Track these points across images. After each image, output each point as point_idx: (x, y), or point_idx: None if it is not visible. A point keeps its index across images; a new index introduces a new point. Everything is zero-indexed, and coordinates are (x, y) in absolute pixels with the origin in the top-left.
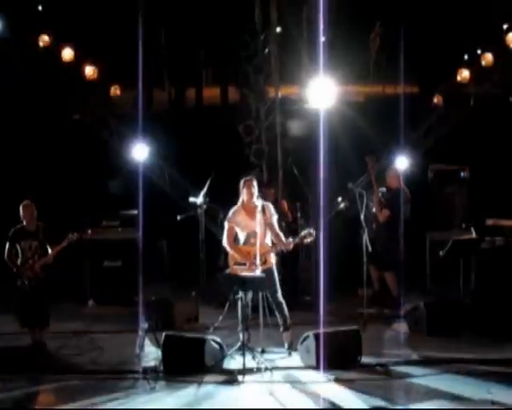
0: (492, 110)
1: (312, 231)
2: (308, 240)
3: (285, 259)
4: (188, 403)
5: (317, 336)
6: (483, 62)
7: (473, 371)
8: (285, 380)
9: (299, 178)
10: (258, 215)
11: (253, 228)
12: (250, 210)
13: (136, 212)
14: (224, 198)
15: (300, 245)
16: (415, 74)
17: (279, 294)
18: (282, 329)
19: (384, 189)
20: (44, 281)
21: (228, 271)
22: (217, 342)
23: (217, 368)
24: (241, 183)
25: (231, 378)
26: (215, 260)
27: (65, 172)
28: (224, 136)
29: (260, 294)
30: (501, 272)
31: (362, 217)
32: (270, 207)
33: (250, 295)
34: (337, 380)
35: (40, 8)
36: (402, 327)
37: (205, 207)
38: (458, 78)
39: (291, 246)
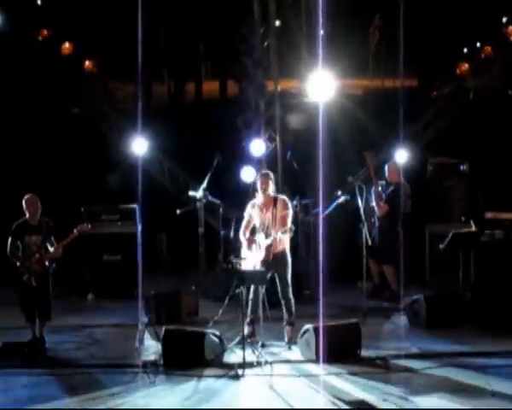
0: (492, 103)
1: (292, 227)
2: (285, 234)
3: None
4: (188, 397)
5: (316, 330)
6: (482, 55)
7: (472, 363)
8: (285, 373)
9: (298, 171)
10: (269, 209)
11: (263, 221)
12: (264, 203)
13: (135, 206)
14: (224, 191)
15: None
16: (414, 68)
17: (290, 290)
18: (285, 323)
19: (383, 182)
20: (48, 276)
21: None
22: (217, 336)
23: (217, 362)
24: (257, 176)
25: (231, 372)
26: (215, 254)
27: (64, 165)
28: (223, 129)
29: (259, 287)
30: (500, 265)
31: (361, 211)
32: (284, 201)
33: (263, 289)
34: (337, 374)
35: (39, 1)
36: (402, 320)
37: (204, 200)
38: (457, 71)
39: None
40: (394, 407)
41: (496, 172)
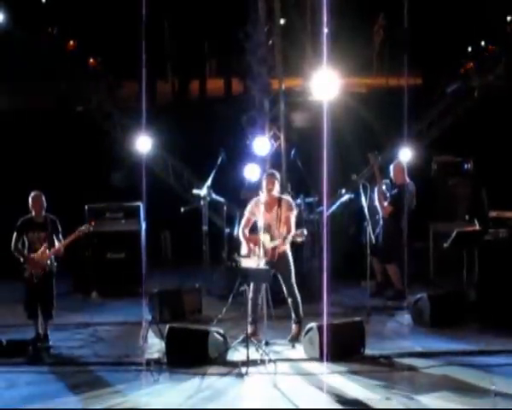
0: (496, 102)
1: (304, 231)
2: (299, 240)
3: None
4: (191, 395)
5: (320, 328)
6: (487, 54)
7: (476, 362)
8: (288, 372)
9: (302, 169)
10: (273, 209)
11: (268, 220)
12: (268, 203)
13: (139, 204)
14: (228, 189)
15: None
16: (418, 66)
17: (295, 289)
18: (293, 322)
19: (388, 181)
20: (52, 273)
21: (235, 261)
22: (220, 334)
23: (220, 360)
24: (264, 176)
25: (235, 370)
26: (219, 252)
27: (68, 163)
28: (227, 127)
29: (264, 286)
30: (504, 264)
31: (366, 209)
32: (289, 202)
33: (263, 288)
34: (340, 372)
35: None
36: (405, 319)
37: (208, 198)
38: (462, 70)
39: (285, 242)
40: (398, 406)
41: (500, 171)
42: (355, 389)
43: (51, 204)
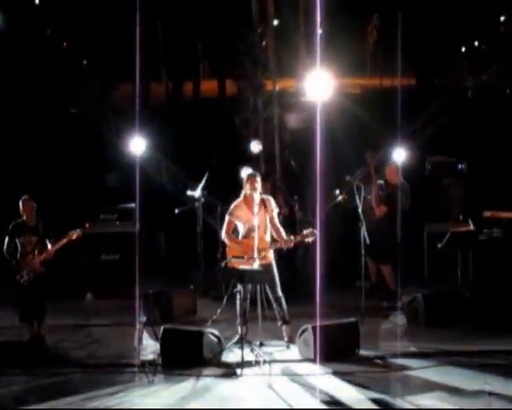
0: (490, 102)
1: (315, 231)
2: (309, 239)
3: (282, 251)
4: (186, 396)
5: (314, 329)
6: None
7: (470, 362)
8: (283, 373)
9: (296, 170)
10: (260, 209)
11: (253, 222)
12: (252, 204)
13: (133, 205)
14: (222, 191)
15: (300, 244)
16: (412, 66)
17: (278, 288)
18: (280, 323)
19: (382, 181)
20: (43, 276)
21: (225, 262)
22: (215, 336)
23: (215, 361)
24: (245, 177)
25: (230, 372)
26: (213, 254)
27: (62, 165)
28: (221, 129)
29: (258, 287)
30: (499, 264)
31: (360, 210)
32: (272, 201)
33: (249, 288)
34: (335, 373)
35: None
36: (400, 319)
37: (202, 200)
38: (455, 70)
39: (291, 244)
40: (392, 407)
41: (494, 171)
42: (350, 389)
43: (46, 206)
